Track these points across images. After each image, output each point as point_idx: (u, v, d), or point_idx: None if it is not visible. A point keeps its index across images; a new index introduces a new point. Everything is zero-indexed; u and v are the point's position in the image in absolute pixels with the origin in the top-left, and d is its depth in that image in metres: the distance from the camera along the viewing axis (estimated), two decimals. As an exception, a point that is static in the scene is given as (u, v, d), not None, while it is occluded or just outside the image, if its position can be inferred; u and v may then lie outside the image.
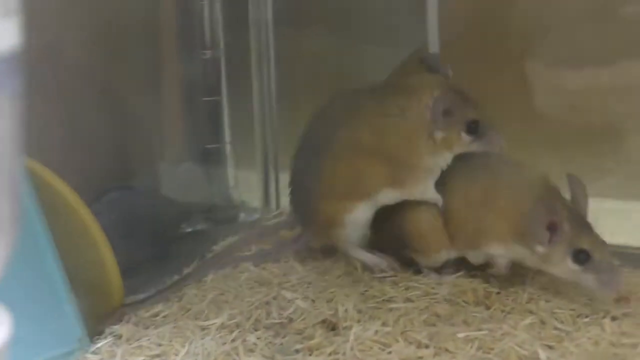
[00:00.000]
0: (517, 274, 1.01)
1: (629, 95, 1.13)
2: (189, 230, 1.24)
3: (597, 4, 1.13)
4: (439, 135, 0.99)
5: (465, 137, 1.00)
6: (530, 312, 0.93)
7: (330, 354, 0.86)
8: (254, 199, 1.26)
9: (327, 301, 0.98)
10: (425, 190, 1.02)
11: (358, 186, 1.03)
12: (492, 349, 0.84)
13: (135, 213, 1.14)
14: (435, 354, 0.85)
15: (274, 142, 1.26)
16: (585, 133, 1.16)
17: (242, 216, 1.28)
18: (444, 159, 1.02)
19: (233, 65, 1.26)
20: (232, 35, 1.25)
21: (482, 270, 1.02)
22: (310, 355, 0.86)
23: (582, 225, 0.95)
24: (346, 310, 0.94)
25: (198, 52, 1.25)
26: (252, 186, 1.25)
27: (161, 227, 1.19)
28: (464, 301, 0.96)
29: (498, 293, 0.98)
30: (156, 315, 0.96)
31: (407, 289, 1.01)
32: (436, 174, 1.02)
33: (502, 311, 0.94)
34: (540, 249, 0.95)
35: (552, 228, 0.94)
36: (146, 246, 1.11)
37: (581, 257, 0.93)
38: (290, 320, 0.93)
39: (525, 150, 1.08)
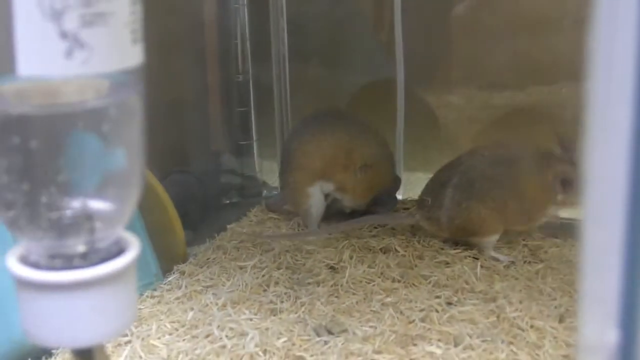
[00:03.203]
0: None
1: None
2: (227, 202, 1.26)
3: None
4: None
5: None
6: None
7: (331, 286, 0.88)
8: (273, 181, 1.27)
9: (333, 248, 0.99)
10: None
11: None
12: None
13: (189, 189, 1.15)
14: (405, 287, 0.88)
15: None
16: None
17: (264, 193, 1.29)
18: None
19: (259, 85, 1.28)
20: (258, 65, 1.27)
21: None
22: (317, 286, 0.88)
23: None
24: (343, 257, 0.96)
25: (233, 76, 1.27)
26: (272, 171, 1.26)
27: (208, 199, 1.20)
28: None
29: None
30: (208, 258, 0.98)
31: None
32: None
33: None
34: None
35: None
36: (197, 213, 1.13)
37: None
38: (304, 263, 0.95)
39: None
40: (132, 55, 0.40)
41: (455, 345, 0.74)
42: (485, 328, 0.77)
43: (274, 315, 0.81)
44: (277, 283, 0.89)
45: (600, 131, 0.26)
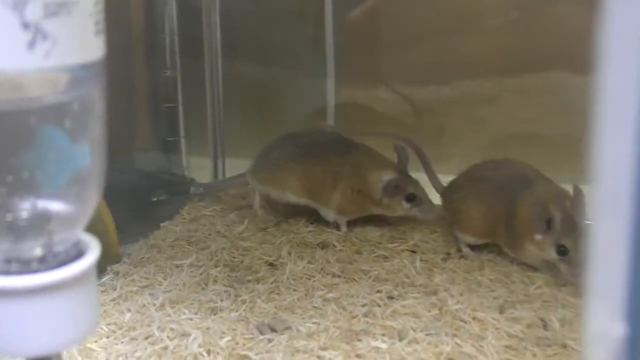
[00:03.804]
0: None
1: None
2: (155, 199, 1.22)
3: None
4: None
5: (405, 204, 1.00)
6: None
7: (272, 283, 0.87)
8: (201, 178, 1.25)
9: (271, 244, 0.98)
10: None
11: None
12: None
13: (117, 187, 1.11)
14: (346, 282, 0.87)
15: (222, 137, 1.25)
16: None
17: (192, 189, 1.27)
18: None
19: (187, 81, 1.25)
20: (188, 60, 1.24)
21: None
22: (257, 284, 0.87)
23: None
24: (282, 253, 0.94)
25: (161, 71, 1.24)
26: (200, 168, 1.25)
27: (136, 197, 1.17)
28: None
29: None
30: (142, 258, 0.95)
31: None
32: None
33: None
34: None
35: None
36: (125, 211, 1.10)
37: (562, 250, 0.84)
38: (241, 260, 0.93)
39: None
40: (96, 47, 0.38)
41: (400, 340, 0.74)
42: (429, 321, 0.78)
43: (215, 314, 0.80)
44: (215, 281, 0.87)
45: (608, 123, 0.26)
